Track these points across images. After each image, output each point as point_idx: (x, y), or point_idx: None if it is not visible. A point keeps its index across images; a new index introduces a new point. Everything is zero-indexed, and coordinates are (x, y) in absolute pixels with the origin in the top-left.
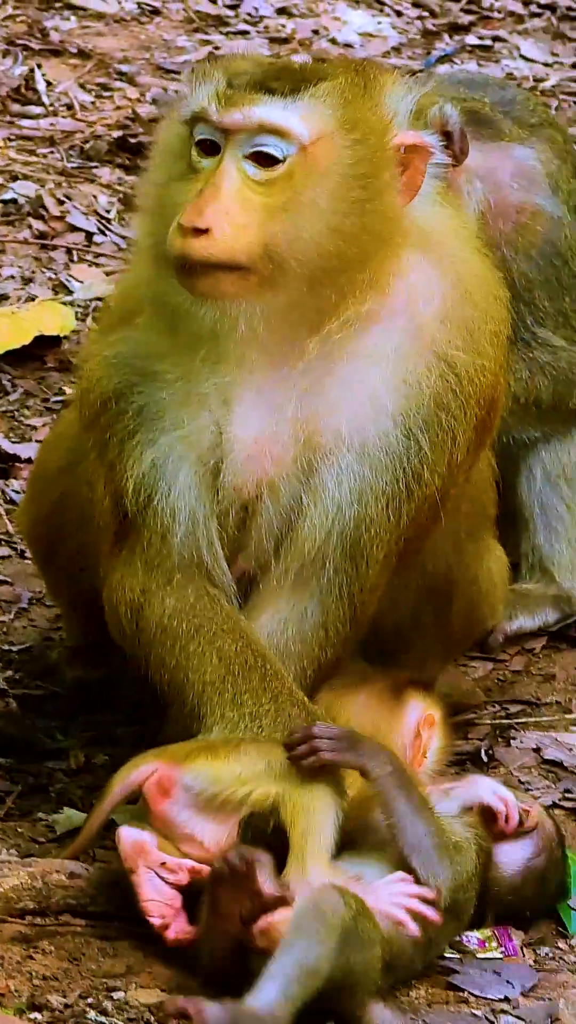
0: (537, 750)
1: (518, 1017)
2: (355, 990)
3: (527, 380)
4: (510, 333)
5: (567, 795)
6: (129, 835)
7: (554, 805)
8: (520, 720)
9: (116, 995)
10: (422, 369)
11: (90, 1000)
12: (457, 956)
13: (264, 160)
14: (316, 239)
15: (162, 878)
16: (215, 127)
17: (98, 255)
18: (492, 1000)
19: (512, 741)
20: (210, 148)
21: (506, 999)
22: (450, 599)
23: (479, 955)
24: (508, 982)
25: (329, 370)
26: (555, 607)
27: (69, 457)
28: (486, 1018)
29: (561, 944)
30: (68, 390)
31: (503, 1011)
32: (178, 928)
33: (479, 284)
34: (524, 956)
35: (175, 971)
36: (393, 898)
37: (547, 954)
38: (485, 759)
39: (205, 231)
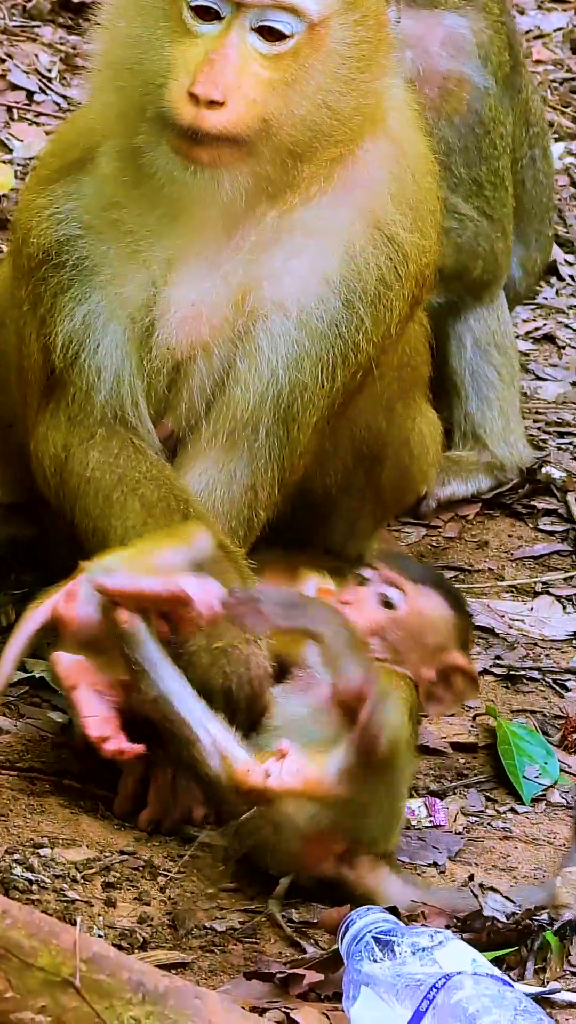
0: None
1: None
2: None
3: None
4: (441, 203)
5: (497, 661)
6: (66, 657)
7: (484, 672)
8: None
9: (43, 852)
10: (368, 245)
11: (16, 856)
12: None
13: (272, 35)
14: (312, 116)
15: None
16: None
17: (39, 114)
18: (421, 865)
19: None
20: (206, 13)
21: (434, 864)
22: (380, 461)
23: (411, 824)
24: (434, 847)
25: (277, 239)
26: (488, 474)
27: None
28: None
29: (492, 811)
30: (4, 248)
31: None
32: (117, 744)
33: (423, 166)
34: (456, 823)
35: (103, 830)
36: None
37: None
38: None
39: (221, 104)
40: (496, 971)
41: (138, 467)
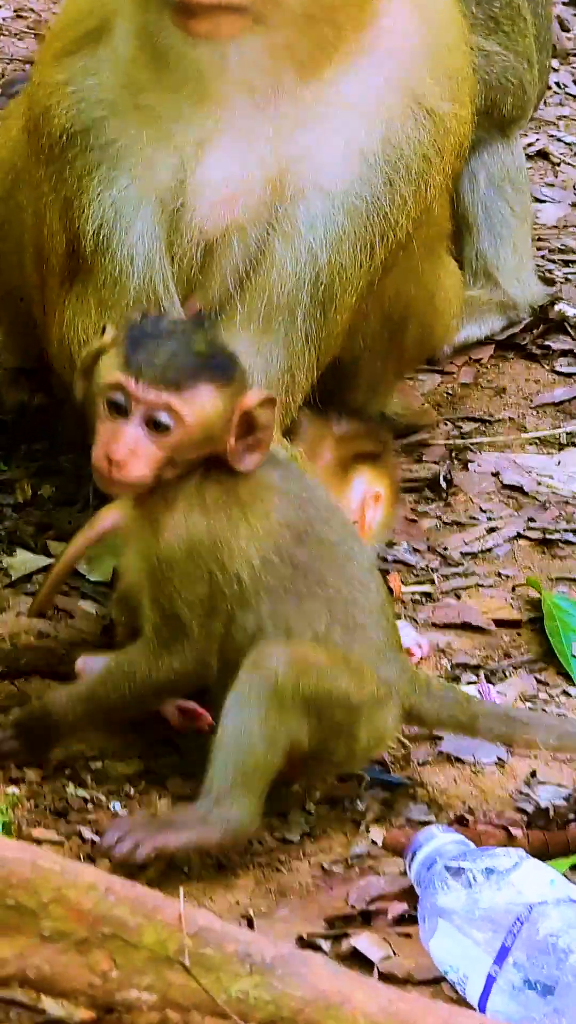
0: (496, 474)
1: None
2: None
3: None
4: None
5: (531, 524)
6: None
7: (519, 536)
8: (475, 440)
9: (94, 765)
10: (408, 119)
11: (67, 771)
12: None
13: None
14: None
15: None
16: None
17: None
18: (483, 763)
19: (469, 465)
20: None
21: (498, 761)
22: (406, 321)
23: None
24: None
25: (311, 115)
26: (501, 313)
27: (7, 185)
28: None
29: (544, 695)
30: None
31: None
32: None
33: (456, 31)
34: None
35: (151, 739)
36: None
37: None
38: (444, 485)
39: None
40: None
41: None
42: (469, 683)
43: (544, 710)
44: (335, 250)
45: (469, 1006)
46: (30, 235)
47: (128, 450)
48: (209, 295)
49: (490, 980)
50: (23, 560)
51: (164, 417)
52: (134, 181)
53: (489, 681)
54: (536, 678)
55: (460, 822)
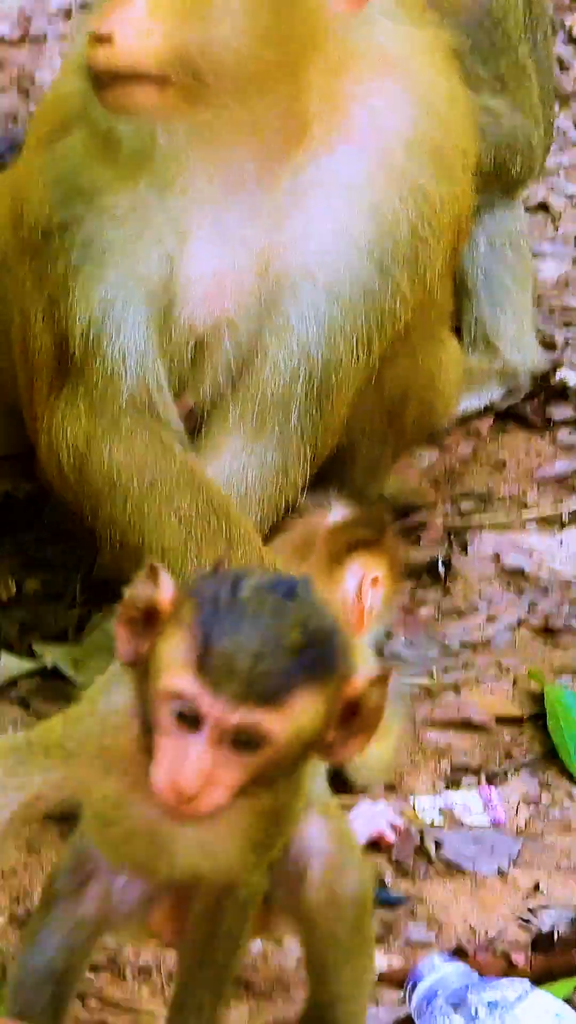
0: (496, 556)
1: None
2: None
3: None
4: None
5: (533, 610)
6: None
7: (520, 623)
8: (474, 519)
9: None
10: (395, 199)
11: None
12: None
13: None
14: (232, 43)
15: None
16: None
17: None
18: (483, 875)
19: (468, 547)
20: None
21: (499, 871)
22: (405, 405)
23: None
24: (494, 849)
25: (294, 199)
26: (501, 382)
27: None
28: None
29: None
30: None
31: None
32: None
33: (448, 105)
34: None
35: None
36: None
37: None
38: (443, 570)
39: (108, 38)
40: None
41: (169, 471)
42: (469, 786)
43: (548, 817)
44: (329, 345)
45: None
46: (16, 332)
47: (203, 777)
48: (200, 393)
49: None
50: (6, 664)
51: (251, 736)
52: (121, 279)
53: (490, 783)
54: (539, 779)
55: (459, 953)
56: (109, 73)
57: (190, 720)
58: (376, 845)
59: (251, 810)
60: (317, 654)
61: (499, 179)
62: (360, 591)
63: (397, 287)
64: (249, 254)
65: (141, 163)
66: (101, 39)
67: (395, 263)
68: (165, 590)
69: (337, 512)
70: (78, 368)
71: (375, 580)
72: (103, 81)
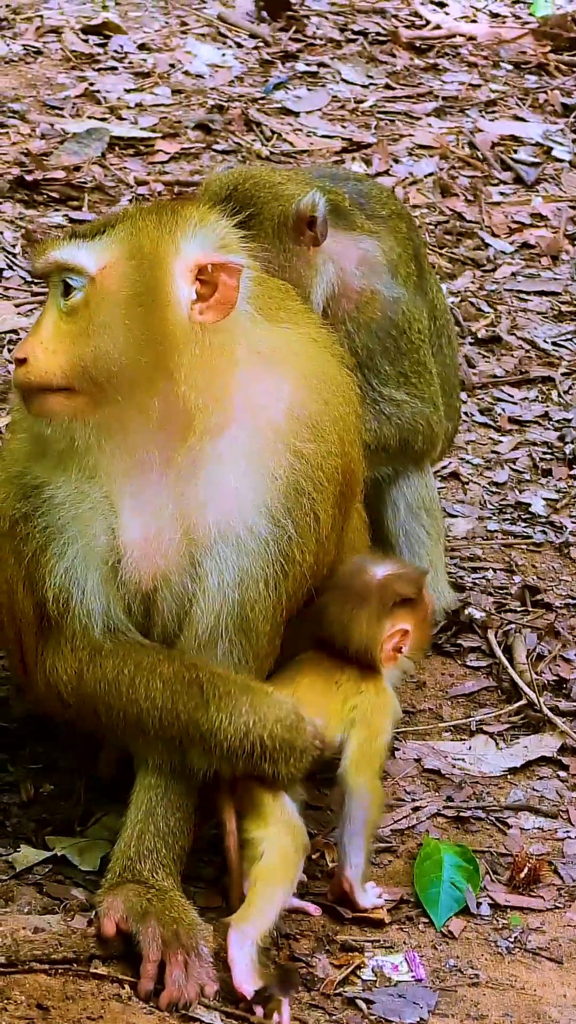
0: (418, 760)
1: None
2: None
3: (376, 430)
4: (357, 410)
5: (448, 803)
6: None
7: (437, 814)
8: (400, 730)
9: None
10: (276, 462)
11: None
12: (373, 980)
13: (67, 291)
14: (113, 354)
15: None
16: (37, 274)
17: (7, 288)
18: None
19: (395, 752)
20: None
21: (420, 1022)
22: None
23: (394, 979)
24: (415, 1003)
25: (196, 473)
26: None
27: None
28: None
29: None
30: None
31: None
32: None
33: (321, 382)
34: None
35: (131, 1015)
36: None
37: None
38: None
39: (24, 360)
40: None
41: (147, 653)
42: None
43: (460, 972)
44: (242, 588)
45: None
46: (2, 596)
47: None
48: (155, 637)
49: None
50: (25, 854)
51: None
52: (79, 553)
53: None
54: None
55: None
56: (28, 388)
57: None
58: None
59: None
60: None
61: (405, 454)
62: (392, 638)
63: (288, 533)
64: (170, 520)
65: (68, 456)
66: (19, 361)
67: (282, 515)
68: None
69: (382, 568)
70: (56, 624)
71: (405, 632)
72: (25, 394)
